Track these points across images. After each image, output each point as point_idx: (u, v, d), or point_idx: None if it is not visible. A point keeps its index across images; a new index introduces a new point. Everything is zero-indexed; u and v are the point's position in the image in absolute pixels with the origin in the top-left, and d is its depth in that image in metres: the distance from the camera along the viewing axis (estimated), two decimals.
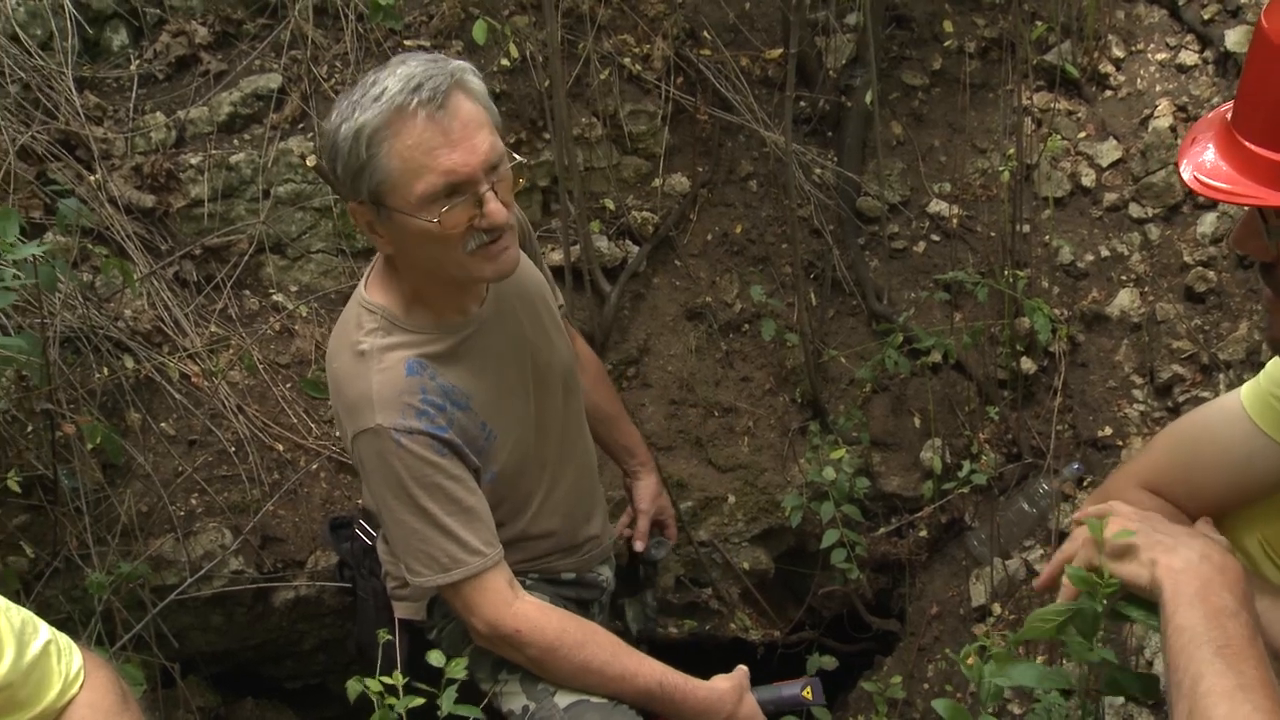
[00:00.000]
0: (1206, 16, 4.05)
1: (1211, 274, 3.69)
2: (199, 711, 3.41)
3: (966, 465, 3.61)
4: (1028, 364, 3.85)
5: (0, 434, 3.03)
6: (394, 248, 2.10)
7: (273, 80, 3.70)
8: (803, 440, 3.92)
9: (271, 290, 3.69)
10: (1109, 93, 4.14)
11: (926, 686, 3.63)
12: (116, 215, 3.47)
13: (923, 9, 4.30)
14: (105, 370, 3.27)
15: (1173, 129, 3.92)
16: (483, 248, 2.04)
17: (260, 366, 3.53)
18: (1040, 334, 3.66)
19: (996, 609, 3.59)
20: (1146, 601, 1.55)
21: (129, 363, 3.33)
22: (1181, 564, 1.50)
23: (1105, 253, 3.91)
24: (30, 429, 3.09)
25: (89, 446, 3.11)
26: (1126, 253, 3.88)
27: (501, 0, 3.77)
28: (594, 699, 2.21)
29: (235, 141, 3.68)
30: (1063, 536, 3.39)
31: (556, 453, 2.42)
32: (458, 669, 1.99)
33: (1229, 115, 1.51)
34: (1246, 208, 1.51)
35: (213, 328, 3.54)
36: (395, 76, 1.95)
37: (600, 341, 3.84)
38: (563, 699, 2.22)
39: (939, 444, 3.85)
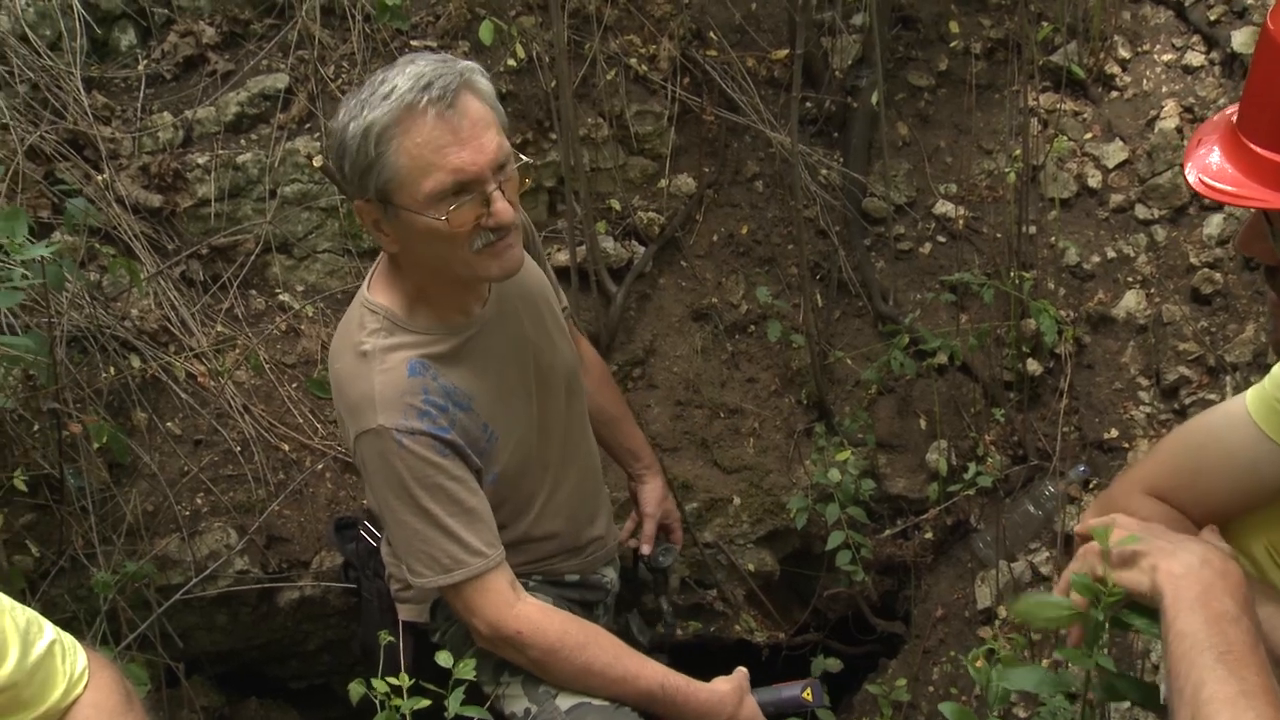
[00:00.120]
0: (1213, 17, 4.04)
1: (1218, 276, 3.69)
2: (203, 711, 3.42)
3: (972, 467, 3.60)
4: (1033, 366, 3.85)
5: (7, 433, 3.04)
6: (399, 246, 2.10)
7: (280, 80, 3.71)
8: (808, 442, 3.92)
9: (278, 290, 3.70)
10: (1115, 94, 4.13)
11: (931, 689, 3.63)
12: (124, 215, 3.48)
13: (929, 10, 4.30)
14: (112, 370, 3.27)
15: (1179, 130, 3.91)
16: (489, 246, 2.05)
17: (266, 366, 3.54)
18: (1046, 336, 3.65)
19: (1002, 612, 3.58)
20: (1150, 611, 1.54)
21: (135, 362, 3.34)
22: (1182, 569, 1.50)
23: (1111, 254, 3.91)
24: (37, 428, 3.10)
25: (95, 446, 3.12)
26: (1133, 254, 3.88)
27: (508, 1, 3.77)
28: (596, 701, 2.21)
29: (242, 141, 3.69)
30: (1068, 539, 3.39)
31: (559, 454, 2.42)
32: (466, 670, 1.99)
33: (1234, 118, 1.51)
34: (1252, 210, 1.51)
35: (219, 327, 3.55)
36: (404, 75, 1.95)
37: (606, 342, 3.84)
38: (564, 701, 2.22)
39: (944, 446, 3.85)
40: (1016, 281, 3.72)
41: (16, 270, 2.73)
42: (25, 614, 1.56)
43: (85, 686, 1.62)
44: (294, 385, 3.58)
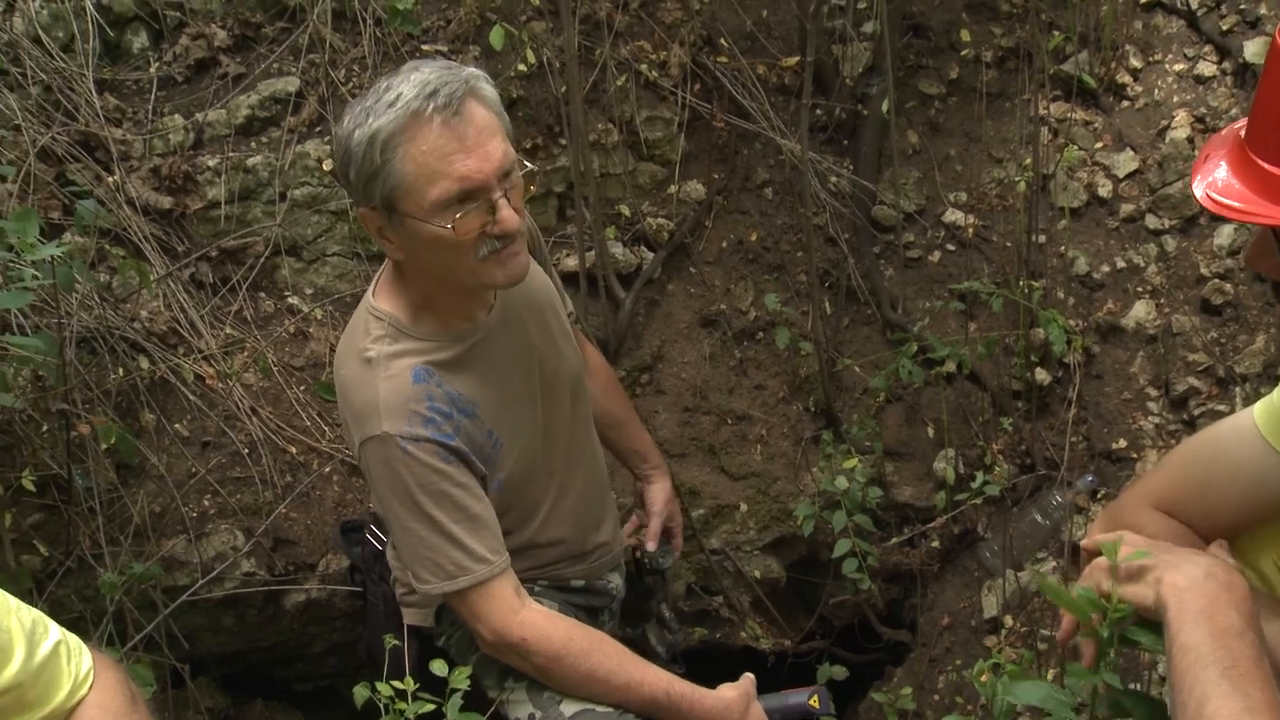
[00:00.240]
0: (1225, 27, 4.04)
1: (1228, 286, 3.68)
2: (209, 713, 3.42)
3: (980, 476, 3.60)
4: (1042, 375, 3.84)
5: (15, 433, 3.04)
6: (404, 254, 2.10)
7: (290, 84, 3.71)
8: (815, 449, 3.92)
9: (287, 293, 3.70)
10: (1126, 103, 4.12)
11: (937, 698, 3.62)
12: (134, 216, 3.49)
13: (940, 18, 4.29)
14: (120, 371, 3.28)
15: (1190, 140, 3.91)
16: (494, 254, 2.05)
17: (275, 369, 3.54)
18: (1055, 345, 3.65)
19: (1008, 621, 3.58)
20: (1157, 626, 1.54)
21: (144, 364, 3.35)
22: (1186, 581, 1.49)
23: (1121, 264, 3.90)
24: (45, 429, 3.11)
25: (103, 447, 3.13)
26: (1143, 264, 3.87)
27: (519, 6, 3.77)
28: (600, 708, 2.21)
29: (252, 144, 3.69)
30: (1075, 549, 3.38)
31: (565, 460, 2.42)
32: (461, 679, 1.99)
33: (1242, 132, 1.50)
34: (1259, 226, 1.51)
35: (228, 329, 3.56)
36: (410, 83, 1.95)
37: (614, 348, 3.84)
38: (569, 708, 2.22)
39: (952, 454, 3.84)
40: (1026, 290, 3.72)
41: (27, 271, 2.74)
42: (31, 614, 1.57)
43: (90, 687, 1.62)
44: (302, 388, 3.59)
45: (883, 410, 3.99)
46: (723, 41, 4.05)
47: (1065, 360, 3.81)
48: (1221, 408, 3.53)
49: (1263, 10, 3.97)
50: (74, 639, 1.63)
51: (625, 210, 3.93)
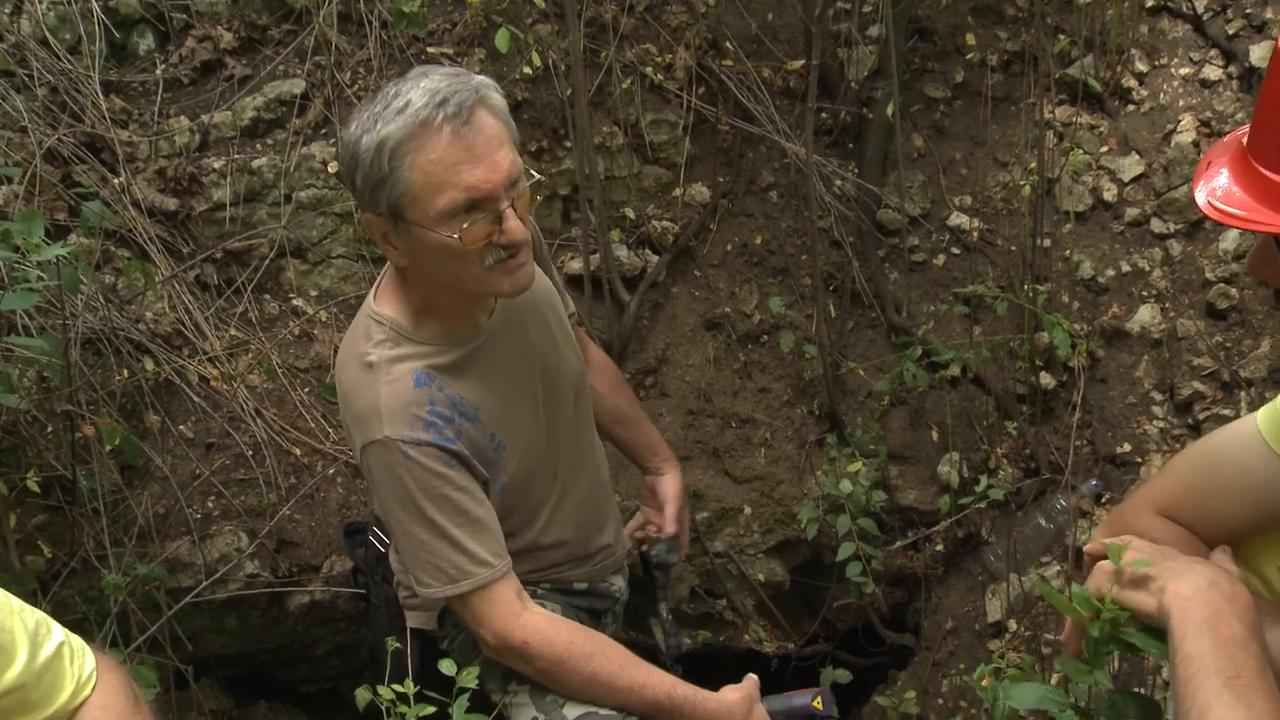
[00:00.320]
0: (1231, 31, 4.03)
1: (1234, 290, 3.67)
2: (212, 714, 3.42)
3: (984, 480, 3.59)
4: (1047, 379, 3.84)
5: (20, 434, 3.05)
6: (409, 260, 2.09)
7: (296, 86, 3.72)
8: (820, 452, 3.92)
9: (291, 295, 3.71)
10: (1131, 107, 4.12)
11: (941, 702, 3.62)
12: (139, 218, 3.49)
13: (945, 21, 4.29)
14: (125, 372, 3.29)
15: (1195, 144, 3.90)
16: (500, 263, 2.04)
17: (279, 370, 3.55)
18: (1060, 349, 3.65)
19: (1012, 625, 3.57)
20: (1157, 632, 1.54)
21: (149, 365, 3.35)
22: (1190, 591, 1.48)
23: (1126, 268, 3.90)
24: (50, 429, 3.11)
25: (108, 448, 3.13)
26: (1148, 268, 3.87)
27: (524, 9, 3.78)
28: (602, 711, 2.21)
29: (258, 146, 3.70)
30: (1079, 553, 3.38)
31: (567, 462, 2.42)
32: (469, 678, 1.99)
33: (1244, 140, 1.50)
34: (1261, 234, 1.50)
35: (232, 331, 3.56)
36: (419, 90, 1.94)
37: (619, 351, 3.84)
38: (572, 711, 2.22)
39: (956, 458, 3.84)
40: (1030, 294, 3.72)
41: (33, 272, 2.75)
42: (34, 616, 1.57)
43: (93, 688, 1.62)
44: (306, 390, 3.59)
45: (887, 414, 3.99)
46: (728, 45, 4.05)
47: (1070, 364, 3.81)
48: (1226, 412, 3.52)
49: (1269, 14, 3.97)
50: (77, 640, 1.63)
51: (630, 213, 3.93)
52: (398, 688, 1.99)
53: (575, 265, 3.83)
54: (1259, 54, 3.88)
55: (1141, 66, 4.13)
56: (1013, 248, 3.98)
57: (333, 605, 3.46)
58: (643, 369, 3.92)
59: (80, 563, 3.15)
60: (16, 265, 2.76)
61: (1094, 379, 3.83)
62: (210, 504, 3.36)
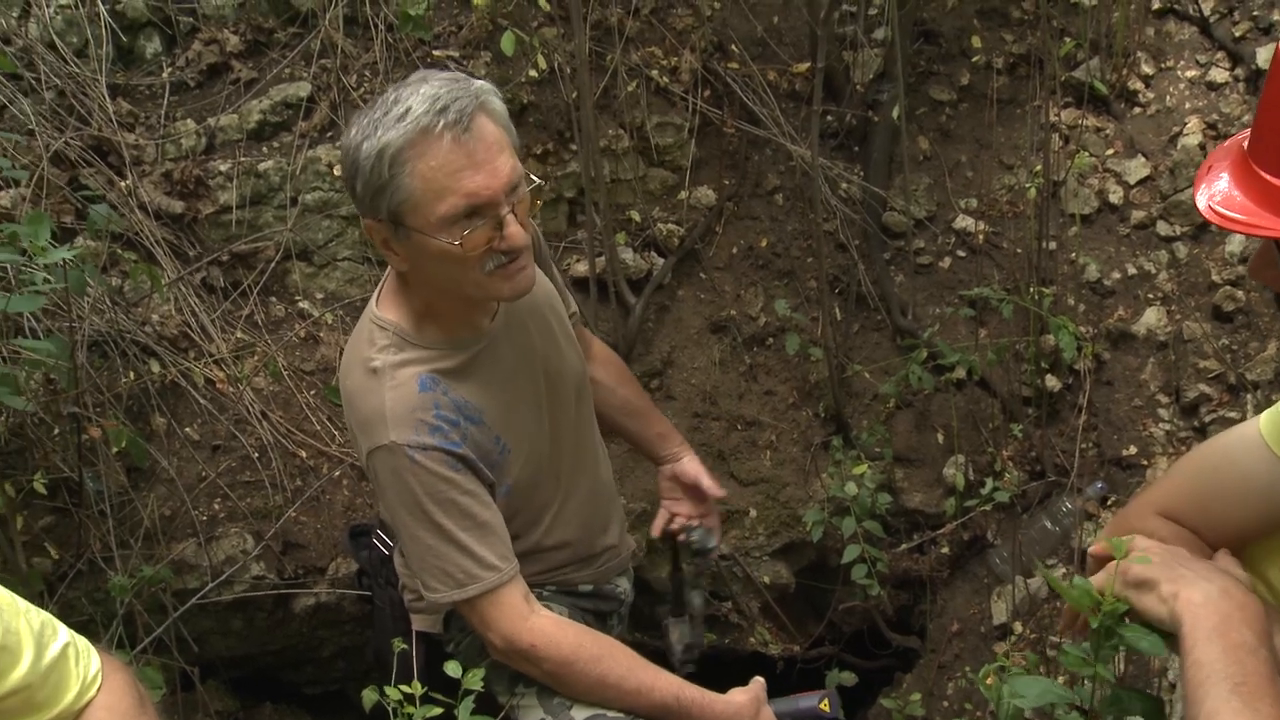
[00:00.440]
0: (1238, 34, 4.03)
1: (1240, 293, 3.67)
2: (218, 716, 3.43)
3: (989, 482, 3.59)
4: (1052, 381, 3.83)
5: (27, 436, 3.06)
6: (410, 265, 2.09)
7: (302, 89, 3.73)
8: (825, 455, 3.92)
9: (297, 297, 3.71)
10: (1138, 109, 4.12)
11: (946, 704, 3.62)
12: (146, 221, 3.50)
13: (951, 24, 4.29)
14: (131, 374, 3.29)
15: (1202, 146, 3.90)
16: (500, 268, 2.05)
17: (285, 373, 3.55)
18: (1065, 351, 3.64)
19: (1018, 627, 3.57)
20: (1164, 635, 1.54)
21: (155, 367, 3.36)
22: (1202, 598, 1.48)
23: (1132, 270, 3.89)
24: (56, 432, 3.12)
25: (114, 450, 3.14)
26: (1154, 271, 3.86)
27: (530, 12, 3.78)
28: (610, 713, 2.21)
29: (264, 149, 3.70)
30: (1084, 556, 3.38)
31: (571, 464, 2.42)
32: (475, 680, 1.99)
33: (1245, 144, 1.50)
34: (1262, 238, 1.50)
35: (238, 334, 3.57)
36: (419, 96, 1.94)
37: (624, 353, 3.84)
38: (579, 713, 2.21)
39: (962, 460, 3.84)
40: (1036, 297, 3.71)
41: (39, 274, 2.75)
42: (40, 616, 1.57)
43: (98, 689, 1.62)
44: (312, 392, 3.59)
45: (892, 416, 3.99)
46: (734, 47, 4.06)
47: (1076, 367, 3.81)
48: (1232, 414, 3.52)
49: (1276, 16, 3.97)
50: (82, 641, 1.64)
51: (636, 216, 3.94)
52: (405, 688, 1.99)
53: (581, 268, 3.83)
54: (1265, 56, 3.88)
55: (1148, 69, 4.13)
56: (1018, 250, 3.98)
57: (338, 607, 3.46)
58: (648, 372, 3.92)
59: (87, 564, 3.16)
60: (23, 268, 2.77)
61: (1099, 381, 3.83)
62: (216, 506, 3.37)
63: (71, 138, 3.47)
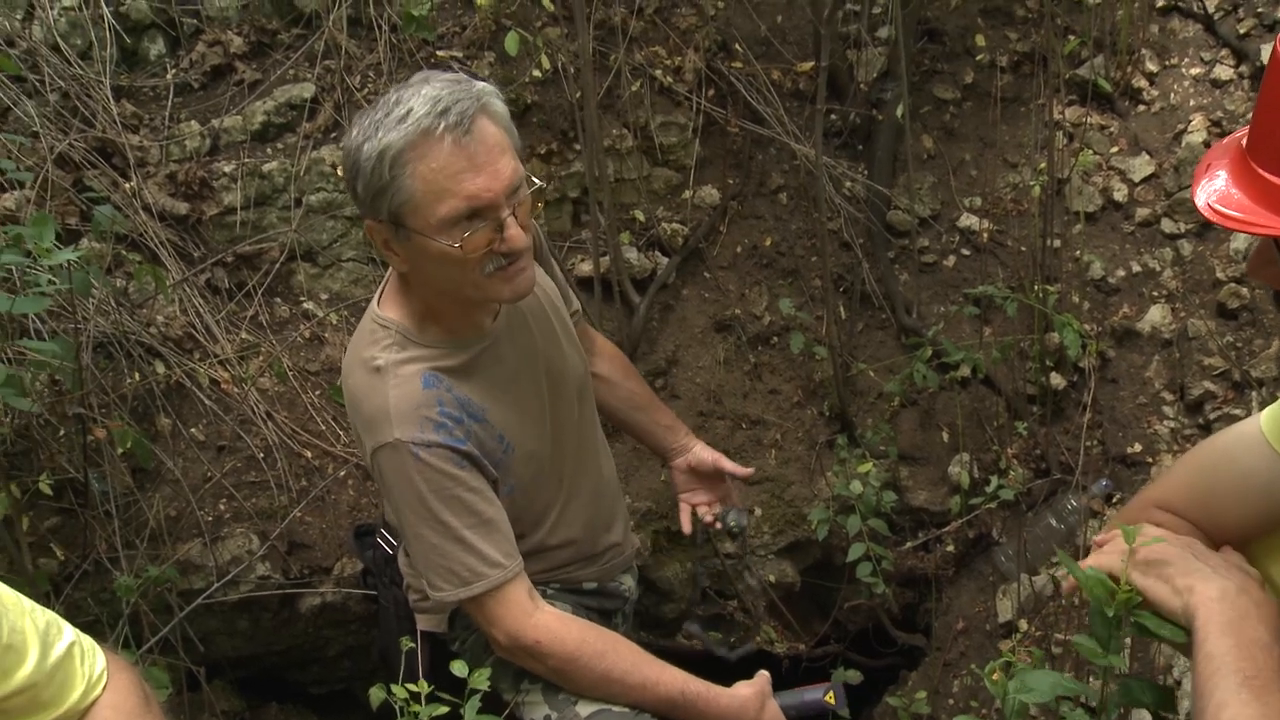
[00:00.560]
0: (1243, 31, 4.03)
1: (1244, 290, 3.66)
2: (224, 716, 3.43)
3: (994, 480, 3.59)
4: (1057, 379, 3.83)
5: (33, 437, 3.06)
6: (410, 266, 2.10)
7: (306, 90, 3.73)
8: (830, 453, 3.91)
9: (302, 298, 3.72)
10: (1142, 107, 4.11)
11: (952, 702, 3.61)
12: (150, 222, 3.51)
13: (955, 23, 4.29)
14: (136, 375, 3.30)
15: (1206, 144, 3.90)
16: (500, 270, 2.05)
17: (290, 373, 3.56)
18: (1070, 349, 3.64)
19: (1023, 625, 3.56)
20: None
21: (160, 368, 3.36)
22: (1218, 593, 1.49)
23: (1137, 268, 3.89)
24: (62, 433, 3.12)
25: (119, 451, 3.14)
26: (1158, 268, 3.86)
27: (534, 12, 3.78)
28: (615, 708, 2.21)
29: (268, 150, 3.71)
30: (1089, 553, 3.37)
31: (573, 462, 2.42)
32: (481, 679, 2.00)
33: (1244, 141, 1.50)
34: (1260, 236, 1.49)
35: (243, 334, 3.57)
36: (420, 98, 1.94)
37: (629, 352, 3.84)
38: (584, 709, 2.22)
39: (967, 459, 3.83)
40: (1041, 295, 3.71)
41: (44, 276, 2.76)
42: (45, 616, 1.57)
43: (104, 688, 1.62)
44: (317, 392, 3.60)
45: (897, 415, 3.99)
46: (737, 47, 4.06)
47: (1080, 364, 3.80)
48: (1237, 412, 3.51)
49: None
50: (88, 640, 1.64)
51: (640, 215, 3.94)
52: (411, 687, 1.99)
53: (585, 268, 3.83)
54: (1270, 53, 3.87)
55: (1152, 66, 4.13)
56: (1023, 248, 3.98)
57: (344, 607, 3.46)
58: (653, 371, 3.92)
59: (93, 565, 3.16)
60: (28, 269, 2.77)
61: (1104, 379, 3.82)
62: (222, 506, 3.37)
63: (76, 139, 3.48)
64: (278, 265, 3.68)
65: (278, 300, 3.72)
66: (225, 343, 3.52)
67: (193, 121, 3.68)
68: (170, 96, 3.72)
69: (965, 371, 3.84)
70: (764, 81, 4.04)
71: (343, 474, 3.51)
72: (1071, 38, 4.09)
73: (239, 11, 3.82)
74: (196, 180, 3.59)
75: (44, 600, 1.69)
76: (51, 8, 3.61)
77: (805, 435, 3.97)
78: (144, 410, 3.36)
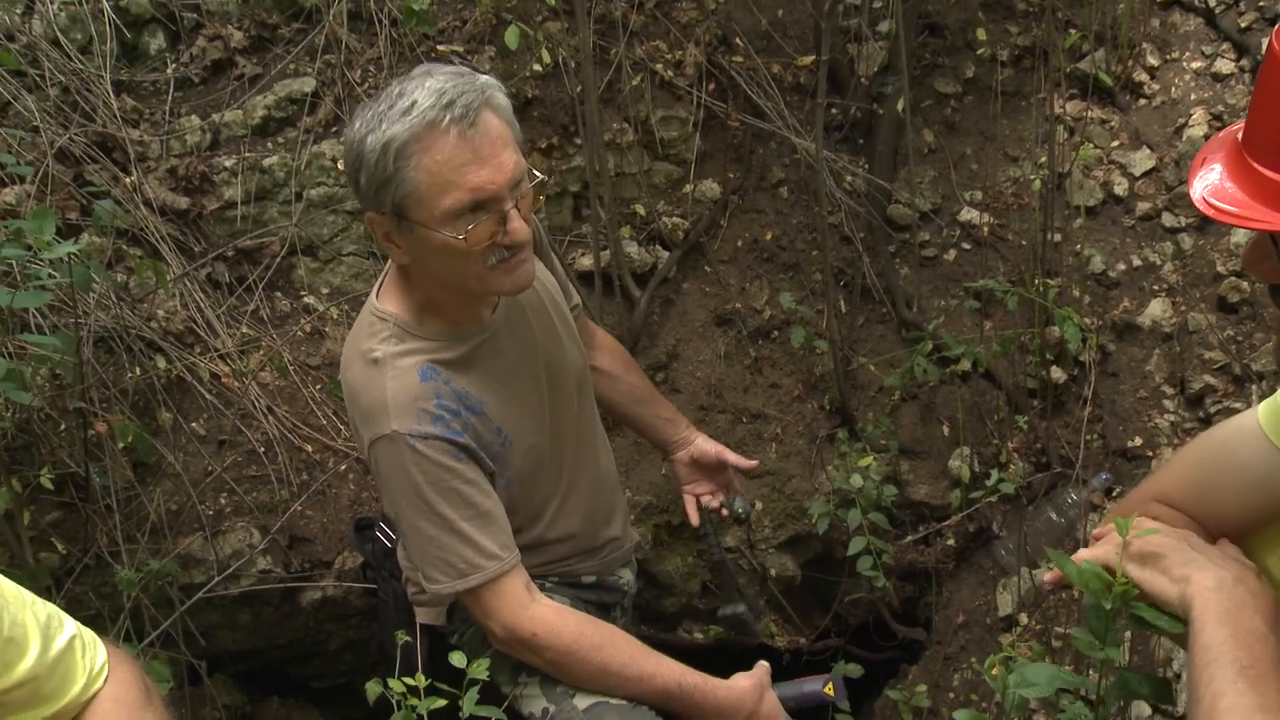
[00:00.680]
0: (1244, 24, 4.02)
1: (1245, 284, 3.66)
2: (225, 710, 3.44)
3: (995, 474, 3.59)
4: (1058, 373, 3.83)
5: (34, 432, 3.06)
6: (411, 259, 2.11)
7: (306, 84, 3.73)
8: (830, 447, 3.91)
9: (303, 292, 3.72)
10: (1143, 101, 4.11)
11: (952, 695, 3.62)
12: (151, 217, 3.51)
13: (956, 16, 4.29)
14: (137, 370, 3.30)
15: (1207, 138, 3.88)
16: (502, 263, 2.06)
17: (290, 368, 3.56)
18: (1070, 343, 3.64)
19: (1023, 619, 3.57)
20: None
21: (161, 363, 3.37)
22: (1215, 583, 1.49)
23: (1137, 262, 3.89)
24: (63, 427, 3.13)
25: (120, 445, 3.14)
26: (1159, 262, 3.86)
27: (534, 6, 3.78)
28: (613, 700, 2.21)
29: (268, 145, 3.71)
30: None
31: (572, 456, 2.42)
32: (479, 670, 2.00)
33: (1240, 135, 1.50)
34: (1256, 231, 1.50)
35: (244, 329, 3.57)
36: (424, 90, 1.94)
37: (629, 346, 3.84)
38: (582, 701, 2.22)
39: (967, 452, 3.83)
40: (1041, 289, 3.71)
41: (44, 270, 2.76)
42: (46, 609, 1.58)
43: (105, 681, 1.62)
44: (318, 387, 3.60)
45: (898, 408, 3.99)
46: (738, 41, 4.05)
47: (1081, 358, 3.80)
48: (1238, 405, 3.51)
49: None
50: (89, 633, 1.64)
51: (640, 210, 3.94)
52: (409, 680, 1.99)
53: (586, 262, 3.83)
54: None
55: (1153, 60, 4.12)
56: (1023, 242, 3.98)
57: (345, 601, 3.47)
58: (653, 365, 3.92)
59: (94, 559, 3.16)
60: (29, 264, 2.78)
61: (1105, 373, 3.82)
62: (223, 500, 3.37)
63: (76, 134, 3.48)
64: (278, 260, 3.68)
65: (278, 294, 3.72)
66: (226, 337, 3.52)
67: (193, 116, 3.68)
68: (170, 91, 3.72)
69: (966, 365, 3.84)
70: (764, 76, 4.04)
71: (343, 468, 3.51)
72: (1072, 31, 4.09)
73: (239, 6, 3.82)
74: (197, 175, 3.59)
75: (45, 594, 1.69)
76: (51, 2, 3.61)
77: (806, 429, 3.98)
78: (145, 404, 3.36)
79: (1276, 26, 1.42)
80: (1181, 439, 3.62)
